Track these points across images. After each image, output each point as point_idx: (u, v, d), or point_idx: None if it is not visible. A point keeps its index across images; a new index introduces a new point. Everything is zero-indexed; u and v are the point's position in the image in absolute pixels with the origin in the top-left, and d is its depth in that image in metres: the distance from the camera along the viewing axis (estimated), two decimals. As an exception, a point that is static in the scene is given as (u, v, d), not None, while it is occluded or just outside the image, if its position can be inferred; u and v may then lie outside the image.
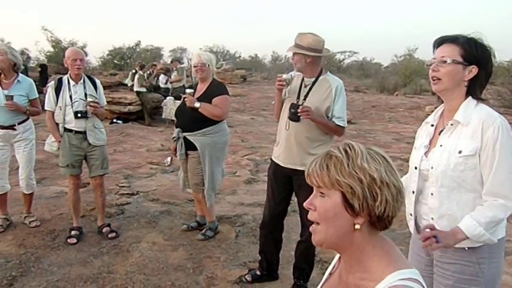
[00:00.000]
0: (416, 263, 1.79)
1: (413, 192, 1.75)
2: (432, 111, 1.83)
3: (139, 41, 31.60)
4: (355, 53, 34.45)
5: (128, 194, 4.99)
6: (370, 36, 73.39)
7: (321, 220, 0.99)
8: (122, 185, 5.33)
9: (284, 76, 2.76)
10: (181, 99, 3.67)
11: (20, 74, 3.84)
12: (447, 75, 1.60)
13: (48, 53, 22.22)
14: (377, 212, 0.94)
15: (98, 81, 3.87)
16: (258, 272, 3.10)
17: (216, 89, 3.60)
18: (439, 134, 1.69)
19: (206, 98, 3.55)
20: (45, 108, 3.72)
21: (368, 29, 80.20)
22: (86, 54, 20.60)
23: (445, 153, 1.61)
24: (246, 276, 3.09)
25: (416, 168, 1.73)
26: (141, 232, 3.88)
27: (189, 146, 3.62)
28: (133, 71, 12.17)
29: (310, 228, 1.02)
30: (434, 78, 1.63)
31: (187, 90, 3.71)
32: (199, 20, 79.25)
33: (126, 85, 12.73)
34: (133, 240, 3.70)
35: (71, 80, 3.67)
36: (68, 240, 3.64)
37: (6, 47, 3.85)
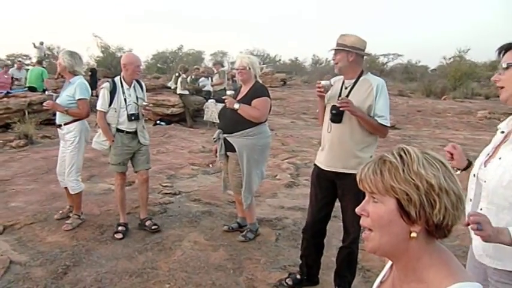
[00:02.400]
0: (474, 277, 1.69)
1: (470, 200, 1.64)
2: (485, 117, 1.74)
3: (182, 45, 32.58)
4: (399, 55, 33.62)
5: (170, 193, 5.13)
6: (416, 38, 71.07)
7: (374, 227, 0.95)
8: (165, 184, 5.48)
9: (323, 82, 2.77)
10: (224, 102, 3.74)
11: (76, 76, 3.98)
12: (508, 81, 1.50)
13: (98, 58, 23.26)
14: (435, 220, 0.90)
15: (143, 83, 4.08)
16: (298, 276, 3.08)
17: (256, 91, 3.63)
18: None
19: (247, 100, 3.60)
20: (98, 108, 3.83)
21: (413, 30, 77.73)
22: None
23: (500, 168, 1.50)
24: (286, 280, 3.08)
25: (474, 175, 1.63)
26: (183, 231, 3.97)
27: (229, 147, 3.67)
28: (177, 74, 12.48)
29: (363, 235, 0.99)
30: (498, 87, 1.54)
31: (228, 92, 3.78)
32: (239, 24, 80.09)
33: (170, 88, 13.07)
34: (176, 238, 3.80)
35: (124, 84, 3.84)
36: (115, 235, 3.81)
37: (61, 53, 4.10)
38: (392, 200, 0.91)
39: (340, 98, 2.68)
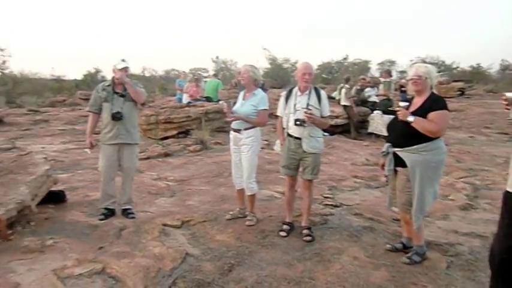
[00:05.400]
0: None
1: None
2: None
3: (347, 55, 32.36)
4: None
5: (331, 205, 5.07)
6: None
7: None
8: (326, 195, 5.46)
9: (507, 95, 2.46)
10: (393, 114, 3.52)
11: (258, 88, 4.42)
12: None
13: (266, 70, 24.92)
14: None
15: (322, 93, 4.13)
16: None
17: (433, 104, 3.33)
18: None
19: (422, 112, 3.32)
20: (277, 113, 4.25)
21: None
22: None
23: None
24: None
25: None
26: (343, 245, 3.86)
27: (399, 162, 3.44)
28: (341, 85, 12.42)
29: None
30: None
31: (401, 103, 3.54)
32: (408, 31, 75.04)
33: (334, 98, 13.07)
34: (335, 251, 3.72)
35: (298, 91, 4.07)
36: (280, 233, 4.05)
37: (249, 66, 4.47)
38: None
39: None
